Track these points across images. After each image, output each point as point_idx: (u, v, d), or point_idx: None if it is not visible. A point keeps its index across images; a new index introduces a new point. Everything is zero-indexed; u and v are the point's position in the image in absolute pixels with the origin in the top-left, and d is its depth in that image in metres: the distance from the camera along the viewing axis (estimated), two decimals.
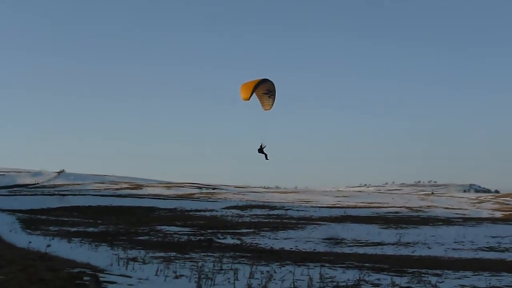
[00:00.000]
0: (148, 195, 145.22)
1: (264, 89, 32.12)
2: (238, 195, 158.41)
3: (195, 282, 22.07)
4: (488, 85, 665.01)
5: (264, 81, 32.24)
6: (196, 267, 27.87)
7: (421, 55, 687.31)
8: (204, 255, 37.92)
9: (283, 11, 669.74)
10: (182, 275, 24.62)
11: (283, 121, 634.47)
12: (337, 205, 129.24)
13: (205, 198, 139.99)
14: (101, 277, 19.06)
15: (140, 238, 54.70)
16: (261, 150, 46.36)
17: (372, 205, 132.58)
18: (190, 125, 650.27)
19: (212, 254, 38.75)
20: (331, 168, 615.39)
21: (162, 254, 35.63)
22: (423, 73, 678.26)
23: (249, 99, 30.91)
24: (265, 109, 32.61)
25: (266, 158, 45.29)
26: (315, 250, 51.95)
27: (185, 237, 58.24)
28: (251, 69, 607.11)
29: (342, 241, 61.32)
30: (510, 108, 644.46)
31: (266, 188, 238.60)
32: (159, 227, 67.30)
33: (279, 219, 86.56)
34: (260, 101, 32.09)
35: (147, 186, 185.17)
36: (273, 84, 32.47)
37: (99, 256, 31.47)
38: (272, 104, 32.54)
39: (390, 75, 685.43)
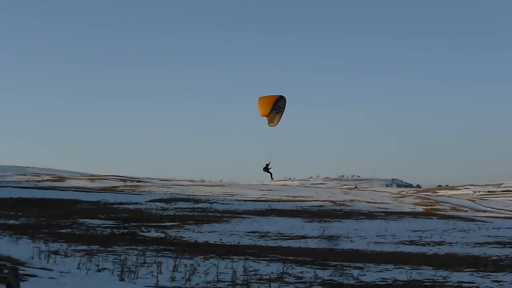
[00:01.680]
0: (71, 187, 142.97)
1: (277, 105, 31.39)
2: (163, 188, 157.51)
3: (118, 275, 21.91)
4: (410, 82, 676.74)
5: (281, 98, 31.34)
6: (119, 260, 27.65)
7: (335, 45, 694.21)
8: (127, 248, 37.62)
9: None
10: (105, 268, 24.40)
11: (210, 113, 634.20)
12: (262, 198, 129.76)
13: (129, 191, 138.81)
14: (22, 270, 18.76)
15: (62, 231, 53.84)
16: (266, 169, 47.42)
17: (297, 198, 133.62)
18: (113, 116, 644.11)
19: (135, 247, 38.48)
20: (256, 162, 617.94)
21: (84, 247, 35.22)
22: (348, 67, 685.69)
23: (268, 116, 30.30)
24: (271, 126, 31.73)
25: (272, 178, 46.10)
26: (239, 243, 52.06)
27: (109, 230, 57.63)
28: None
29: (266, 234, 61.62)
30: (431, 105, 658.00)
31: (191, 181, 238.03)
32: (82, 220, 66.34)
33: (204, 212, 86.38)
34: (268, 117, 31.32)
35: (70, 179, 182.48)
36: (285, 102, 31.79)
37: (19, 249, 30.91)
38: (279, 121, 31.81)
39: (316, 68, 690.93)
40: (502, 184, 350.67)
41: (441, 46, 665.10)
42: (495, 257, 45.60)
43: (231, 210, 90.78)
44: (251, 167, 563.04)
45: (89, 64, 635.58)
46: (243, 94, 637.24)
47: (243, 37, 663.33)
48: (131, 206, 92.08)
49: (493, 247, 54.79)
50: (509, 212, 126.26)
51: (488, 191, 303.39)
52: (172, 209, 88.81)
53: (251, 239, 57.11)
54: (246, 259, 33.94)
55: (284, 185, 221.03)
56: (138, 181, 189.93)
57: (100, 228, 58.34)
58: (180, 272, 24.86)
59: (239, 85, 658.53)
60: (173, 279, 22.89)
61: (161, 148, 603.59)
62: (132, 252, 34.52)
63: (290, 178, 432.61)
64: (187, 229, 63.34)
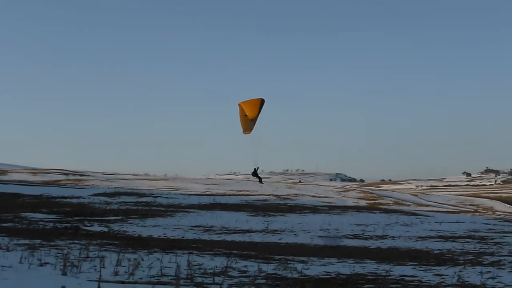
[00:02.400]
0: (13, 181, 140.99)
1: (261, 109, 30.18)
2: (106, 182, 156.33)
3: (61, 269, 21.68)
4: (353, 77, 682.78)
5: (263, 101, 30.06)
6: (61, 254, 27.33)
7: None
8: (70, 243, 37.21)
9: None
10: (47, 263, 24.12)
11: (157, 107, 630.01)
12: (207, 192, 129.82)
13: (72, 184, 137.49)
14: None
15: (4, 225, 53.05)
16: (255, 174, 47.74)
17: (241, 192, 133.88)
18: (55, 109, 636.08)
19: (78, 242, 38.10)
20: (202, 156, 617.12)
21: (26, 241, 34.71)
22: (297, 61, 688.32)
23: (254, 119, 29.30)
24: (246, 133, 30.70)
25: (260, 182, 46.23)
26: (183, 237, 51.97)
27: (51, 224, 56.96)
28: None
29: (211, 228, 61.63)
30: (375, 100, 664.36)
31: (135, 175, 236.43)
32: (24, 214, 65.44)
33: (148, 206, 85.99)
34: (244, 123, 30.19)
35: (11, 172, 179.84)
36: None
37: None
38: (252, 129, 30.74)
39: (265, 64, 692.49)
40: (444, 179, 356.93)
41: (379, 41, 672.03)
42: (437, 251, 46.33)
43: (176, 204, 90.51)
44: (196, 161, 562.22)
45: (25, 58, 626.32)
46: (193, 89, 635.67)
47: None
48: (74, 200, 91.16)
49: (435, 241, 55.65)
50: (451, 207, 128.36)
51: (431, 186, 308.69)
52: (115, 203, 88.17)
53: (195, 233, 57.03)
54: (190, 253, 33.87)
55: (229, 179, 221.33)
56: (81, 175, 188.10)
57: (42, 222, 57.62)
58: (124, 266, 24.71)
59: (190, 80, 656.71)
60: (116, 273, 22.74)
61: (105, 141, 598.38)
62: (75, 247, 34.16)
63: (234, 172, 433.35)
64: (130, 223, 62.97)
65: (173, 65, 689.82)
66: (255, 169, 42.28)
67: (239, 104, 28.63)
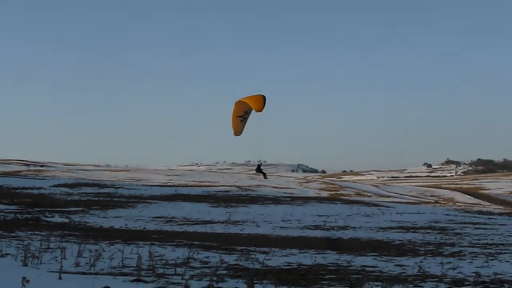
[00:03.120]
0: None
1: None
2: (67, 172, 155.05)
3: (21, 260, 21.55)
4: (313, 70, 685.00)
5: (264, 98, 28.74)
6: (22, 245, 27.18)
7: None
8: (31, 234, 37.01)
9: None
10: (8, 254, 23.97)
11: (115, 97, 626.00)
12: (168, 183, 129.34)
13: (33, 175, 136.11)
14: None
15: None
16: (259, 169, 48.18)
17: (203, 184, 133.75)
18: (15, 97, 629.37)
19: (39, 233, 37.89)
20: (163, 147, 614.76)
21: None
22: (253, 48, 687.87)
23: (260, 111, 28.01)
24: (237, 135, 29.54)
25: (265, 177, 46.41)
26: (145, 228, 51.84)
27: (12, 215, 56.43)
28: None
29: (172, 219, 61.54)
30: (335, 93, 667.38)
31: (97, 166, 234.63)
32: None
33: (109, 197, 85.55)
34: (235, 121, 29.02)
35: None
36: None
37: None
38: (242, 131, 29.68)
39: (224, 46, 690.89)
40: (405, 170, 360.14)
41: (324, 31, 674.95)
42: (398, 242, 46.85)
43: (137, 195, 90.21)
44: (158, 152, 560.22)
45: None
46: (152, 78, 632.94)
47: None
48: (35, 191, 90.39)
49: (396, 232, 56.21)
50: (412, 198, 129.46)
51: (392, 177, 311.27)
52: (76, 194, 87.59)
53: (157, 224, 56.93)
54: (152, 244, 33.89)
55: (191, 170, 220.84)
56: (41, 166, 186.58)
57: (2, 213, 57.05)
58: (85, 257, 24.65)
59: (153, 70, 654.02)
60: (77, 264, 22.68)
61: (65, 132, 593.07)
62: (36, 238, 33.99)
63: (196, 164, 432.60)
64: (92, 214, 62.66)
65: (138, 55, 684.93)
66: (258, 164, 42.68)
67: (239, 102, 27.89)
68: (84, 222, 55.35)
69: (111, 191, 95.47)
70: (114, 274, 20.57)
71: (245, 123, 28.95)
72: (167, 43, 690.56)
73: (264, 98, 27.26)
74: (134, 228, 51.45)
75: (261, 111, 27.34)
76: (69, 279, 18.18)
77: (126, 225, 54.42)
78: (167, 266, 24.16)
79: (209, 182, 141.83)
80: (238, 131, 28.60)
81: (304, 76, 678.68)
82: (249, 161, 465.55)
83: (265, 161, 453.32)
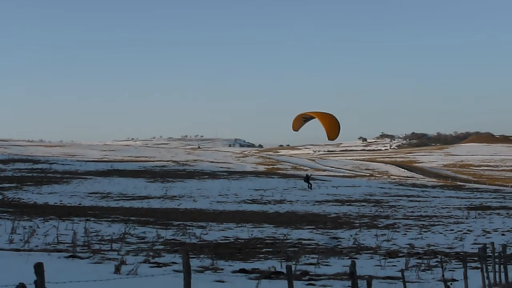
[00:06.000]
0: None
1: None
2: (0, 148, 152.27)
3: None
4: (248, 47, 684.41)
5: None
6: None
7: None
8: None
9: None
10: None
11: (49, 70, 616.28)
12: (104, 159, 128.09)
13: None
14: None
15: None
16: (307, 180, 50.18)
17: (139, 159, 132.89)
18: None
19: None
20: (98, 122, 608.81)
21: None
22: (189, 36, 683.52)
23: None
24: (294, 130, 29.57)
25: (310, 188, 47.65)
26: (80, 204, 51.33)
27: None
28: None
29: (108, 195, 61.12)
30: (270, 66, 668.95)
31: (30, 142, 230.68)
32: None
33: (43, 173, 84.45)
34: (298, 120, 28.75)
35: None
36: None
37: None
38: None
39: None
40: (341, 144, 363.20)
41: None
42: (334, 215, 47.44)
43: (72, 171, 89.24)
44: (93, 127, 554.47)
45: None
46: (91, 56, 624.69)
47: None
48: None
49: (332, 205, 56.88)
50: (347, 171, 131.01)
51: (328, 151, 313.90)
52: (9, 170, 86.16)
53: (92, 200, 56.45)
54: (87, 220, 33.58)
55: (127, 145, 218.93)
56: None
57: None
58: (19, 234, 24.30)
59: (89, 48, 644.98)
60: (11, 241, 22.36)
61: None
62: None
63: (132, 138, 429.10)
64: (25, 190, 61.75)
65: (77, 39, 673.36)
66: (307, 175, 44.48)
67: (317, 117, 27.72)
68: (18, 198, 54.52)
69: (45, 167, 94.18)
70: (48, 250, 20.33)
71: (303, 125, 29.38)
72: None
73: (339, 127, 27.69)
74: (69, 204, 50.88)
75: (333, 139, 28.24)
76: (2, 256, 17.90)
77: (61, 201, 53.79)
78: (103, 242, 24.00)
79: (146, 157, 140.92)
80: (296, 128, 29.05)
81: (241, 51, 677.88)
82: (186, 136, 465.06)
83: (202, 136, 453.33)
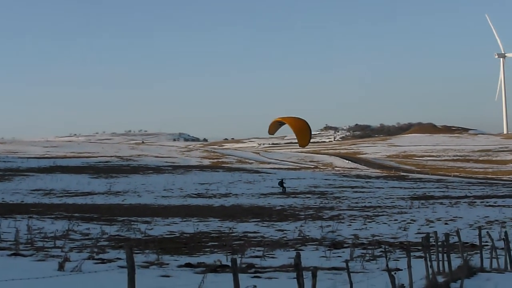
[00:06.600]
0: None
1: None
2: None
3: None
4: (196, 36, 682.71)
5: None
6: None
7: None
8: None
9: None
10: None
11: None
12: (46, 155, 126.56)
13: None
14: None
15: None
16: (281, 184, 51.02)
17: (82, 155, 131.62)
18: None
19: None
20: (40, 118, 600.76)
21: None
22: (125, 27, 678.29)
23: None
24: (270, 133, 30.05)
25: (284, 191, 48.65)
26: (23, 201, 50.69)
27: None
28: None
29: (51, 192, 60.49)
30: (218, 63, 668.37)
31: None
32: None
33: None
34: (274, 125, 28.98)
35: None
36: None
37: None
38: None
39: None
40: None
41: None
42: (279, 207, 47.68)
43: (14, 168, 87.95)
44: (35, 123, 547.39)
45: None
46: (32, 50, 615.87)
47: None
48: None
49: (277, 198, 57.17)
50: (292, 163, 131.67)
51: (272, 144, 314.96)
52: None
53: (35, 197, 55.80)
54: (30, 217, 33.20)
55: (69, 141, 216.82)
56: None
57: None
58: None
59: (28, 41, 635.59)
60: None
61: None
62: None
63: (75, 134, 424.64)
64: None
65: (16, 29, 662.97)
66: (282, 180, 45.30)
67: (288, 123, 27.93)
68: None
69: None
70: None
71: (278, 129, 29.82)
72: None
73: (310, 133, 28.08)
74: (11, 202, 50.24)
75: (304, 146, 28.87)
76: None
77: (3, 198, 53.10)
78: (46, 239, 23.77)
79: (89, 153, 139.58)
80: (272, 132, 29.40)
81: (183, 45, 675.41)
82: (130, 131, 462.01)
83: (146, 130, 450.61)
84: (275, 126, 28.62)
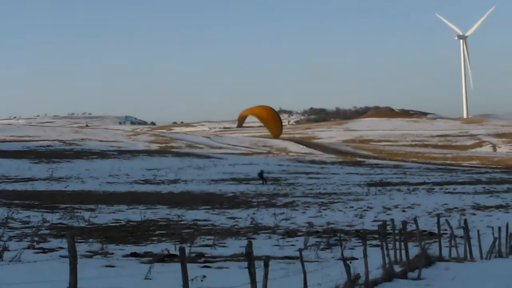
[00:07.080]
0: None
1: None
2: None
3: None
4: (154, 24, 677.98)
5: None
6: None
7: None
8: None
9: None
10: None
11: None
12: None
13: None
14: None
15: None
16: (261, 175, 51.48)
17: (23, 138, 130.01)
18: None
19: None
20: None
21: None
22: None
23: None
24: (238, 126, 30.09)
25: (265, 183, 48.04)
26: None
27: None
28: None
29: None
30: (170, 45, 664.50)
31: None
32: None
33: None
34: (242, 118, 28.69)
35: None
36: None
37: None
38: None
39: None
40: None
41: None
42: (231, 194, 47.74)
43: None
44: None
45: None
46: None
47: None
48: None
49: (229, 184, 57.28)
50: (244, 148, 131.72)
51: (224, 128, 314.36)
52: None
53: None
54: None
55: (9, 124, 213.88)
56: None
57: None
58: None
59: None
60: None
61: None
62: None
63: (15, 117, 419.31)
64: None
65: None
66: (261, 171, 45.17)
67: (260, 117, 27.67)
68: None
69: None
70: None
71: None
72: None
73: (281, 125, 28.19)
74: None
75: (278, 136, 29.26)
76: None
77: None
78: None
79: (29, 136, 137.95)
80: (240, 125, 29.67)
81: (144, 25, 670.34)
82: (73, 114, 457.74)
83: (90, 113, 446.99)
84: (243, 118, 28.86)
